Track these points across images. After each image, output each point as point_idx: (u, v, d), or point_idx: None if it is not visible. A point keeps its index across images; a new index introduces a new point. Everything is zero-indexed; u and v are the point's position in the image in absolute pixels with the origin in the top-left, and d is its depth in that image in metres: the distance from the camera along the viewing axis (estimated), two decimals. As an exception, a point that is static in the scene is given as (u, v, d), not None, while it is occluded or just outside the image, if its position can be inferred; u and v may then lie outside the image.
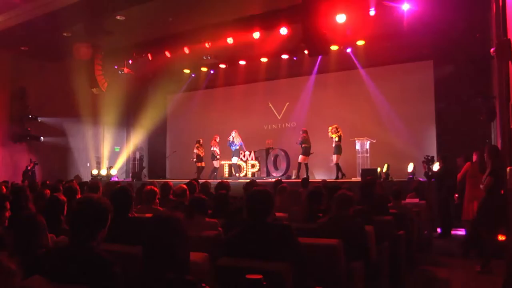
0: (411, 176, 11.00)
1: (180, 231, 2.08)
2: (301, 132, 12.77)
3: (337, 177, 11.90)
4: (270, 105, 15.91)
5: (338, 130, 12.14)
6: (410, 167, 11.30)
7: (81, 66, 14.19)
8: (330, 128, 12.27)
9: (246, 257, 2.65)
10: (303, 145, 12.59)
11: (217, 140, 13.85)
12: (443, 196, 8.91)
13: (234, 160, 13.63)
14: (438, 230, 8.89)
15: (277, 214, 4.79)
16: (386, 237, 4.57)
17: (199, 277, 2.10)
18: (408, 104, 13.00)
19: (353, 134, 12.50)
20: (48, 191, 5.41)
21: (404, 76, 13.16)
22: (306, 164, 12.58)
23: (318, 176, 13.94)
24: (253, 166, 14.00)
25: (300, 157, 12.60)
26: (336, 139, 12.09)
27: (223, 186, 6.09)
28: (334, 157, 12.11)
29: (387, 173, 11.19)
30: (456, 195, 8.15)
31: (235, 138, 13.74)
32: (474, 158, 7.50)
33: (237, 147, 13.78)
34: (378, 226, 4.30)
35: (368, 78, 13.74)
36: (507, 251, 4.73)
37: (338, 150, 12.02)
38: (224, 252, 2.80)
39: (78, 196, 4.97)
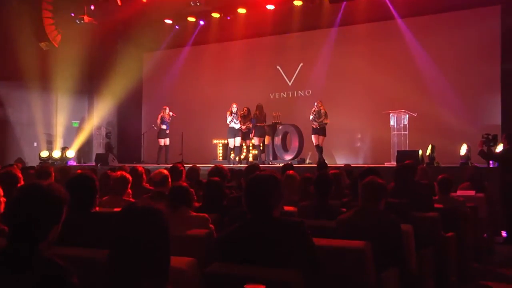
0: (464, 161, 10.97)
1: (161, 228, 2.07)
2: (316, 104, 12.68)
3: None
4: (279, 67, 15.88)
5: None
6: (464, 149, 11.25)
7: (24, 12, 14.02)
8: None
9: (245, 262, 2.66)
10: (325, 121, 12.52)
11: (233, 109, 13.41)
12: (509, 188, 8.78)
13: (237, 141, 13.53)
14: (503, 233, 8.82)
15: (285, 208, 4.80)
16: (430, 241, 4.59)
17: (183, 288, 2.11)
18: (462, 65, 12.95)
19: (386, 106, 12.50)
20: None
21: (458, 27, 13.07)
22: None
23: (340, 159, 14.02)
24: (254, 146, 14.01)
25: (320, 139, 12.56)
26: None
27: (218, 171, 6.10)
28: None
29: (431, 156, 11.17)
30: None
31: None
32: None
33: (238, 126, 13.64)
34: (419, 225, 4.31)
35: (408, 31, 13.65)
36: None
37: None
38: (217, 256, 2.82)
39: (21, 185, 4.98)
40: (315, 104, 12.64)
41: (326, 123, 12.50)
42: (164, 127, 14.41)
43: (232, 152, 14.02)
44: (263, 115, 13.40)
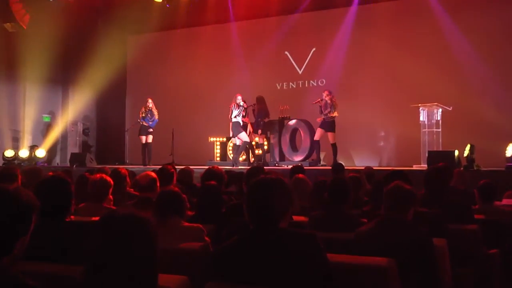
0: (511, 164, 10.92)
1: (148, 241, 2.09)
2: (325, 95, 12.66)
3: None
4: (287, 53, 15.91)
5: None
6: (510, 150, 11.21)
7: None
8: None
9: (246, 282, 2.66)
10: (331, 114, 12.52)
11: (239, 102, 13.25)
12: None
13: (244, 137, 13.44)
14: None
15: (294, 218, 4.80)
16: (469, 258, 4.58)
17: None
18: (508, 50, 12.90)
19: (415, 98, 12.46)
20: None
21: (504, 3, 13.01)
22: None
23: (359, 161, 14.05)
24: (258, 145, 14.05)
25: (329, 135, 12.57)
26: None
27: (214, 174, 6.12)
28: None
29: (470, 158, 11.13)
30: None
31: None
32: None
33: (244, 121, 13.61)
34: (455, 239, 4.30)
35: (440, 8, 13.64)
36: None
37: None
38: (213, 274, 2.81)
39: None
40: (323, 94, 12.64)
41: (334, 116, 12.47)
42: (149, 123, 14.44)
43: (231, 153, 14.07)
44: (265, 109, 13.39)
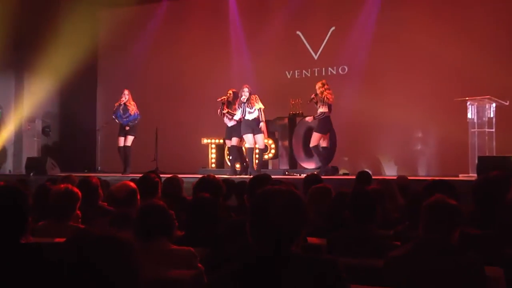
0: None
1: (128, 268, 2.09)
2: (318, 87, 12.69)
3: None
4: (299, 33, 15.97)
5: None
6: None
7: None
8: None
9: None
10: (319, 110, 12.64)
11: (246, 94, 13.17)
12: None
13: (248, 138, 13.46)
14: None
15: (309, 239, 4.82)
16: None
17: None
18: None
19: (461, 90, 12.52)
20: None
21: None
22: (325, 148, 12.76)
23: (389, 168, 14.19)
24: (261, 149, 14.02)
25: (314, 137, 12.73)
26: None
27: (209, 184, 6.13)
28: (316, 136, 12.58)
29: (531, 165, 11.15)
30: None
31: (256, 102, 13.43)
32: None
33: (255, 116, 13.59)
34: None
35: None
36: None
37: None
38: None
39: None
40: (316, 86, 12.76)
41: (323, 113, 12.56)
42: (123, 120, 14.43)
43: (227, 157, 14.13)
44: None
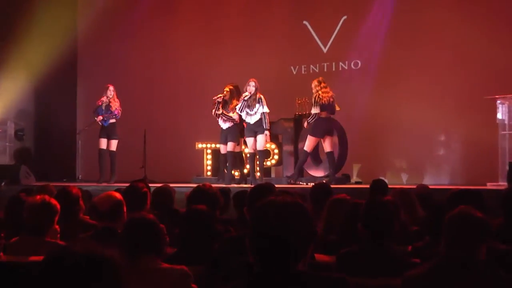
0: None
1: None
2: (313, 86, 12.85)
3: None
4: (306, 23, 16.02)
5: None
6: None
7: None
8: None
9: None
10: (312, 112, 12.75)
11: (251, 91, 13.15)
12: None
13: (250, 143, 13.50)
14: None
15: (318, 256, 4.89)
16: None
17: None
18: None
19: (490, 88, 12.53)
20: None
21: None
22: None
23: (408, 176, 14.24)
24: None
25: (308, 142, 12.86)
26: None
27: (204, 196, 6.20)
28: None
29: None
30: None
31: (260, 104, 13.40)
32: None
33: (256, 119, 13.61)
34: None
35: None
36: None
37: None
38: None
39: None
40: (312, 85, 12.90)
41: (315, 114, 12.67)
42: (112, 120, 14.43)
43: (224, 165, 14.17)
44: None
